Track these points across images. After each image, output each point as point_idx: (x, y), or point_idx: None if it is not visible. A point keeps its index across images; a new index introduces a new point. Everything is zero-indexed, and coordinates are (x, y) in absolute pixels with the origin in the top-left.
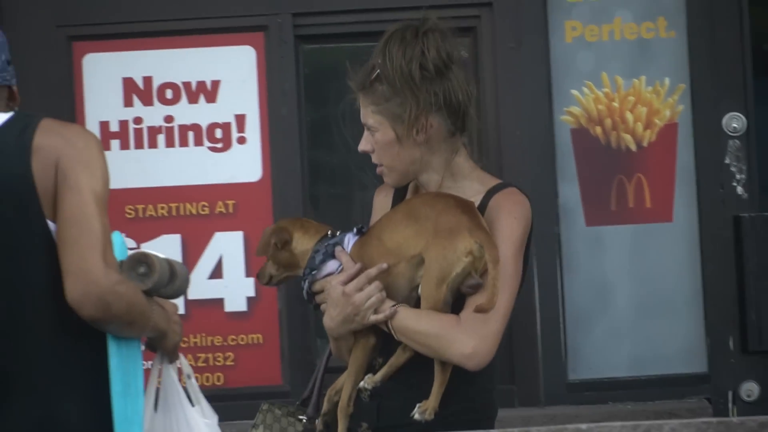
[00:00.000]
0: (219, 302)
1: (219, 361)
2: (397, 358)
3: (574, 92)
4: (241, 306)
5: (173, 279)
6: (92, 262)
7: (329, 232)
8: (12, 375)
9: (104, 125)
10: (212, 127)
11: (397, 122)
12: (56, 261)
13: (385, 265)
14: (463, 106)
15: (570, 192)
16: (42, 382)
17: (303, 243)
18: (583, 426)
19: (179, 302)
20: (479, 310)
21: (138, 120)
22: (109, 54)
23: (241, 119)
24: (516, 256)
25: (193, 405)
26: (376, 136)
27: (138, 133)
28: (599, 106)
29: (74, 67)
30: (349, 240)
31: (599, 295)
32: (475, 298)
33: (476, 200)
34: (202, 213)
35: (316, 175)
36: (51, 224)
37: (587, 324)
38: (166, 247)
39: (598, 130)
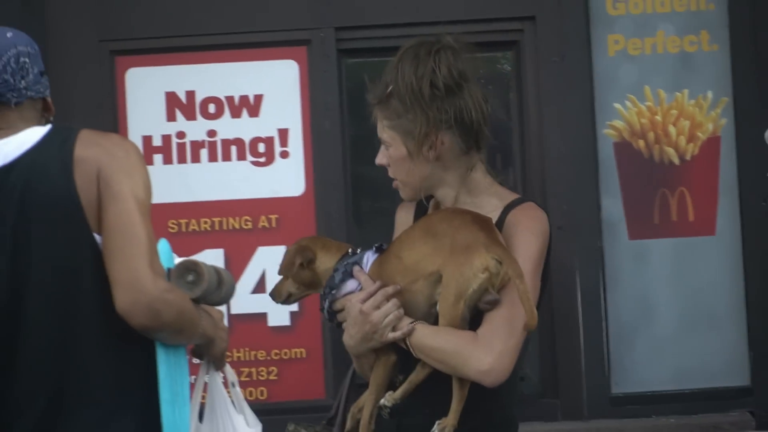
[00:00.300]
0: (262, 317)
1: (262, 376)
2: (417, 375)
3: (617, 106)
4: (284, 320)
5: (220, 286)
6: (140, 271)
7: (350, 251)
8: (68, 389)
9: (147, 140)
10: (255, 141)
11: (409, 138)
12: (104, 272)
13: (399, 286)
14: (476, 124)
15: (613, 205)
16: (97, 394)
17: (325, 261)
18: None
19: None
20: (526, 328)
21: (181, 134)
22: (151, 68)
23: (284, 133)
24: (534, 272)
25: (237, 413)
26: (390, 151)
27: (181, 147)
28: (642, 119)
29: (117, 82)
30: (369, 258)
31: (642, 308)
32: (493, 313)
33: (494, 216)
34: (245, 227)
35: (359, 189)
36: (97, 237)
37: (630, 337)
38: (209, 262)
39: (641, 143)
